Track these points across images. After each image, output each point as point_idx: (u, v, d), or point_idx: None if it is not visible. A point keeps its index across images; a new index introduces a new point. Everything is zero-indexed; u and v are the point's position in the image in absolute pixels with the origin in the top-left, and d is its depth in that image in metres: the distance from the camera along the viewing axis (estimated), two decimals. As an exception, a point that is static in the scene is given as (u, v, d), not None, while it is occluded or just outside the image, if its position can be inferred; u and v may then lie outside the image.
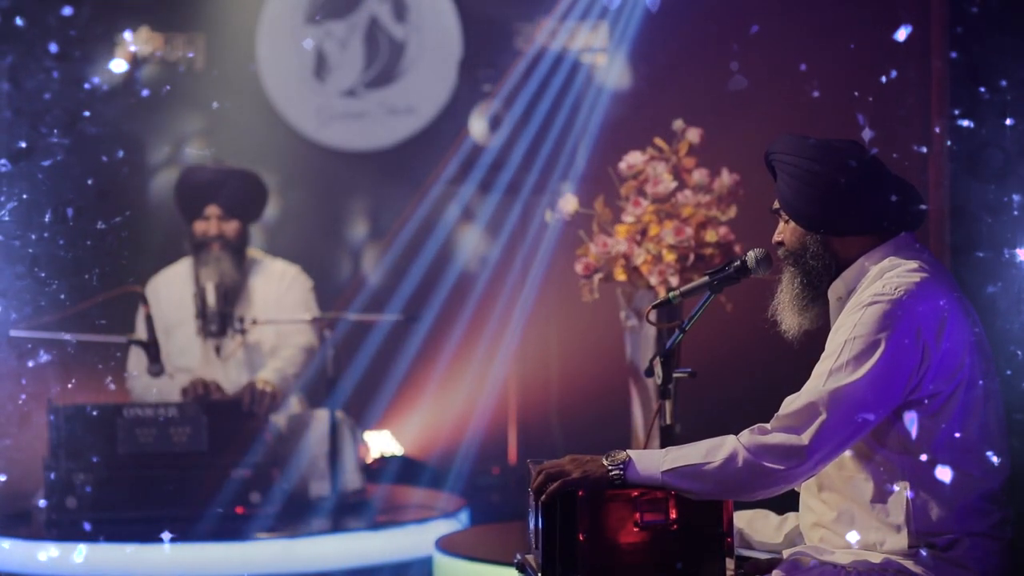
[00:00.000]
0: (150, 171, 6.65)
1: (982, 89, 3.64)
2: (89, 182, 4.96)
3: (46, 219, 4.40)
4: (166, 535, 4.52)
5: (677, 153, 4.50)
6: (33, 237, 4.35)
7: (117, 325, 5.16)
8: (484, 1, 6.74)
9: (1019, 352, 3.59)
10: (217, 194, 5.38)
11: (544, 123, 6.07)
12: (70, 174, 4.65)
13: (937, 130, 3.89)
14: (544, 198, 6.13)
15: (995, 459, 2.68)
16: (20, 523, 4.90)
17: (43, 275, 4.37)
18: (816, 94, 4.97)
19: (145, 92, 6.51)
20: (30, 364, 4.69)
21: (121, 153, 6.08)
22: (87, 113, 4.95)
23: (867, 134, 3.54)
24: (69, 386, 4.94)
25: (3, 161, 4.41)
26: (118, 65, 6.22)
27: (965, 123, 3.65)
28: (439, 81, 6.74)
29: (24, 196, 4.32)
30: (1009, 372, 3.54)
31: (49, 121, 4.65)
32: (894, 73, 4.45)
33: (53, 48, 4.74)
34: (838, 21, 5.33)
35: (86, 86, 5.14)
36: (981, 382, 2.68)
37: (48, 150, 4.55)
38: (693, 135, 4.50)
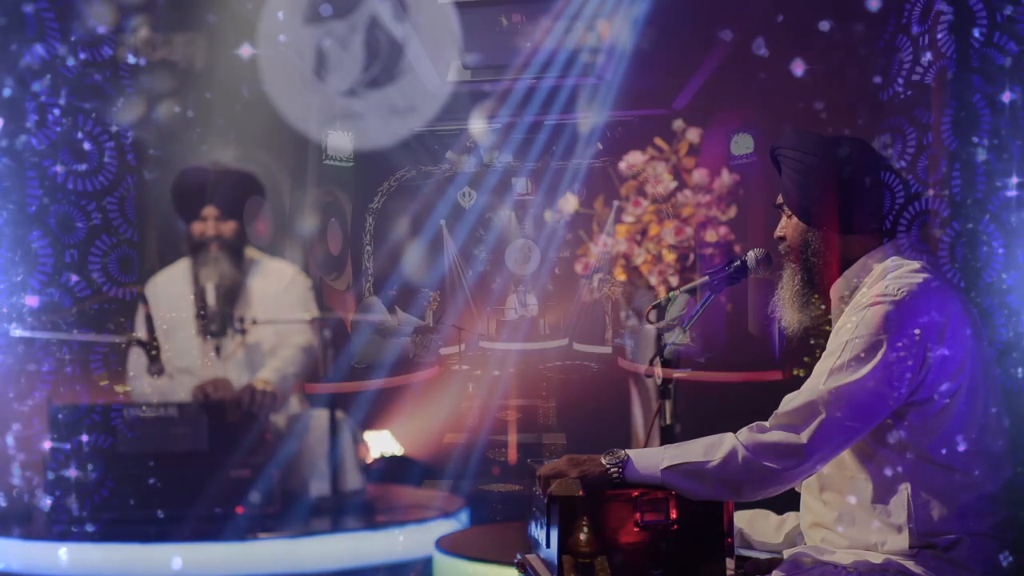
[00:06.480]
0: (148, 171, 6.63)
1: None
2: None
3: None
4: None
5: (677, 153, 4.50)
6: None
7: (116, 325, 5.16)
8: (484, 1, 6.73)
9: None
10: (214, 195, 5.37)
11: (543, 123, 6.07)
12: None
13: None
14: (544, 198, 6.13)
15: (996, 460, 2.68)
16: (20, 523, 4.90)
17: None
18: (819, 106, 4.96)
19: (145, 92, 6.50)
20: (30, 364, 4.68)
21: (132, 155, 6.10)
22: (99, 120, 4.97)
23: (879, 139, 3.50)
24: (69, 386, 4.94)
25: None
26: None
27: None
28: (439, 81, 6.74)
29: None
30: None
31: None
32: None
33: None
34: (845, 19, 5.32)
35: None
36: (982, 383, 2.67)
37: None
38: (693, 135, 4.50)
